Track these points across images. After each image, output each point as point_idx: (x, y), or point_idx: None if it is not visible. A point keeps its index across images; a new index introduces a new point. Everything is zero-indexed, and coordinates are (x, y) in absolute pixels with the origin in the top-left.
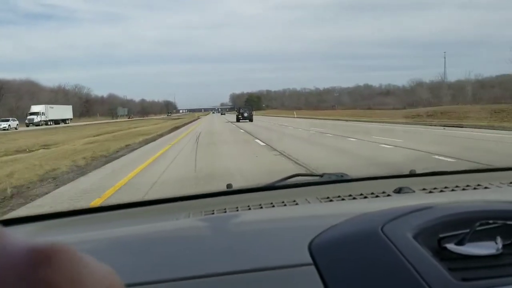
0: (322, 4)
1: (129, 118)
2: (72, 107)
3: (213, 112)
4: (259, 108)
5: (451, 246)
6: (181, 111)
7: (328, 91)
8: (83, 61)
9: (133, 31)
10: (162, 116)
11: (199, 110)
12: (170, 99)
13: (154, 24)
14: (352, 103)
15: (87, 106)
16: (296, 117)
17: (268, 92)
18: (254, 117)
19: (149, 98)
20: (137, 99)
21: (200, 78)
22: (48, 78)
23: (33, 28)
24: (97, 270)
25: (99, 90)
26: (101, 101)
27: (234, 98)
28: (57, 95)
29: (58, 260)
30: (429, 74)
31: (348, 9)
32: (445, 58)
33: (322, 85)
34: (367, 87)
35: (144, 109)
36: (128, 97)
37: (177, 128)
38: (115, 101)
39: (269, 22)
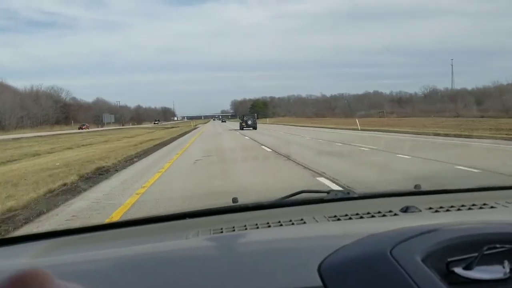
0: (322, 13)
1: (122, 125)
2: (45, 113)
3: (214, 119)
4: (265, 115)
5: (459, 271)
6: (176, 118)
7: (336, 98)
8: (81, 68)
9: (132, 39)
10: (152, 125)
11: (199, 117)
12: (169, 105)
13: (153, 32)
14: (365, 111)
15: (65, 112)
16: (361, 129)
17: (272, 98)
18: (266, 129)
19: (147, 105)
20: (132, 105)
21: (200, 86)
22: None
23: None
24: None
25: (90, 97)
26: (86, 107)
27: (236, 105)
28: (25, 99)
29: (29, 285)
30: (434, 82)
31: (344, 18)
32: (452, 65)
33: (327, 92)
34: (377, 94)
35: (140, 116)
36: (122, 103)
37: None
38: (104, 107)
39: (271, 30)
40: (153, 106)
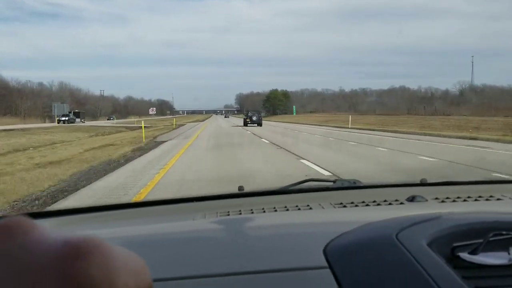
0: (329, 11)
1: (81, 121)
2: None
3: (216, 114)
4: (285, 110)
5: (464, 255)
6: (168, 112)
7: (356, 93)
8: (84, 61)
9: (135, 32)
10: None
11: (200, 112)
12: (168, 98)
13: (157, 26)
14: (394, 108)
15: (8, 99)
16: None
17: (284, 92)
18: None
19: (147, 97)
20: (122, 96)
21: (203, 80)
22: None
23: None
24: (130, 261)
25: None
26: (32, 93)
27: (242, 99)
28: None
29: (93, 254)
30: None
31: (349, 15)
32: (472, 62)
33: (346, 87)
34: (404, 90)
35: (129, 109)
36: (108, 93)
37: None
38: (76, 94)
39: (276, 26)
40: (146, 98)
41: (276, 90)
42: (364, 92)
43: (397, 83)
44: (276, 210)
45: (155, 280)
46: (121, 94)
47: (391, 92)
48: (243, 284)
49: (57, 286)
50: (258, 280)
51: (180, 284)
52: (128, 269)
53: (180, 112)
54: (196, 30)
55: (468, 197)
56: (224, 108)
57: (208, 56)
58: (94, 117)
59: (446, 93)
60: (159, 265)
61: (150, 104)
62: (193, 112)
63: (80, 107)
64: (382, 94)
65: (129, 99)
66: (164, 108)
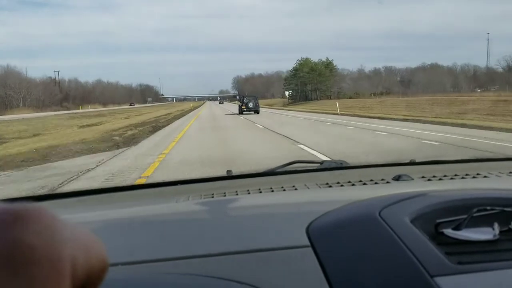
0: None
1: None
2: None
3: (210, 100)
4: (325, 89)
5: (448, 231)
6: (149, 99)
7: (378, 73)
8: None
9: (126, 19)
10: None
11: (192, 98)
12: (154, 83)
13: (147, 12)
14: (425, 88)
15: None
16: None
17: (328, 62)
18: None
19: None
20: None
21: (194, 67)
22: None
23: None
24: (80, 235)
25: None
26: None
27: (240, 83)
28: None
29: (34, 221)
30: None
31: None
32: (488, 40)
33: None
34: (436, 67)
35: (99, 96)
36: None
37: None
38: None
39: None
40: (123, 83)
41: (308, 59)
42: (389, 71)
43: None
44: (261, 192)
45: (135, 263)
46: (58, 71)
47: (419, 70)
48: (225, 265)
49: None
50: (239, 260)
51: (162, 266)
52: (77, 243)
53: (169, 99)
54: (188, 16)
55: (455, 175)
56: (219, 94)
57: (200, 42)
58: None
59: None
60: (140, 247)
61: (127, 89)
62: (185, 99)
63: None
64: (409, 73)
65: (99, 83)
66: (147, 94)
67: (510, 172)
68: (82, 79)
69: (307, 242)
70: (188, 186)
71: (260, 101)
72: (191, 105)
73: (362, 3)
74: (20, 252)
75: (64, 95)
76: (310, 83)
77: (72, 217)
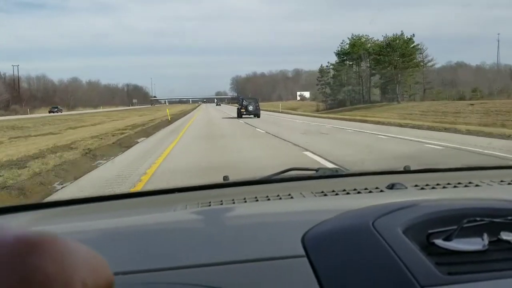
0: None
1: None
2: None
3: (204, 102)
4: (407, 89)
5: (439, 242)
6: (135, 101)
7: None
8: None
9: (122, 21)
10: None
11: (186, 101)
12: (145, 85)
13: (143, 14)
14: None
15: None
16: None
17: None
18: None
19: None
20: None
21: (189, 69)
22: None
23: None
24: (88, 257)
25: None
26: None
27: (239, 83)
28: None
29: (48, 249)
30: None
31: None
32: (498, 40)
33: None
34: (461, 65)
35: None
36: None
37: None
38: None
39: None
40: (105, 83)
41: (363, 37)
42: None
43: None
44: (257, 200)
45: (132, 273)
46: (17, 65)
47: (446, 68)
48: (220, 275)
49: (10, 284)
50: (235, 271)
51: (158, 276)
52: (87, 265)
53: (162, 101)
54: (184, 18)
55: (448, 183)
56: (216, 96)
57: (196, 44)
58: None
59: None
60: (137, 257)
61: (113, 91)
62: (180, 101)
63: None
64: (435, 72)
65: (74, 81)
66: (136, 96)
67: (501, 181)
68: (64, 77)
69: (302, 252)
70: (186, 194)
71: (271, 104)
72: (176, 110)
73: (361, 6)
74: (37, 280)
75: (16, 95)
76: (384, 73)
77: (68, 226)
